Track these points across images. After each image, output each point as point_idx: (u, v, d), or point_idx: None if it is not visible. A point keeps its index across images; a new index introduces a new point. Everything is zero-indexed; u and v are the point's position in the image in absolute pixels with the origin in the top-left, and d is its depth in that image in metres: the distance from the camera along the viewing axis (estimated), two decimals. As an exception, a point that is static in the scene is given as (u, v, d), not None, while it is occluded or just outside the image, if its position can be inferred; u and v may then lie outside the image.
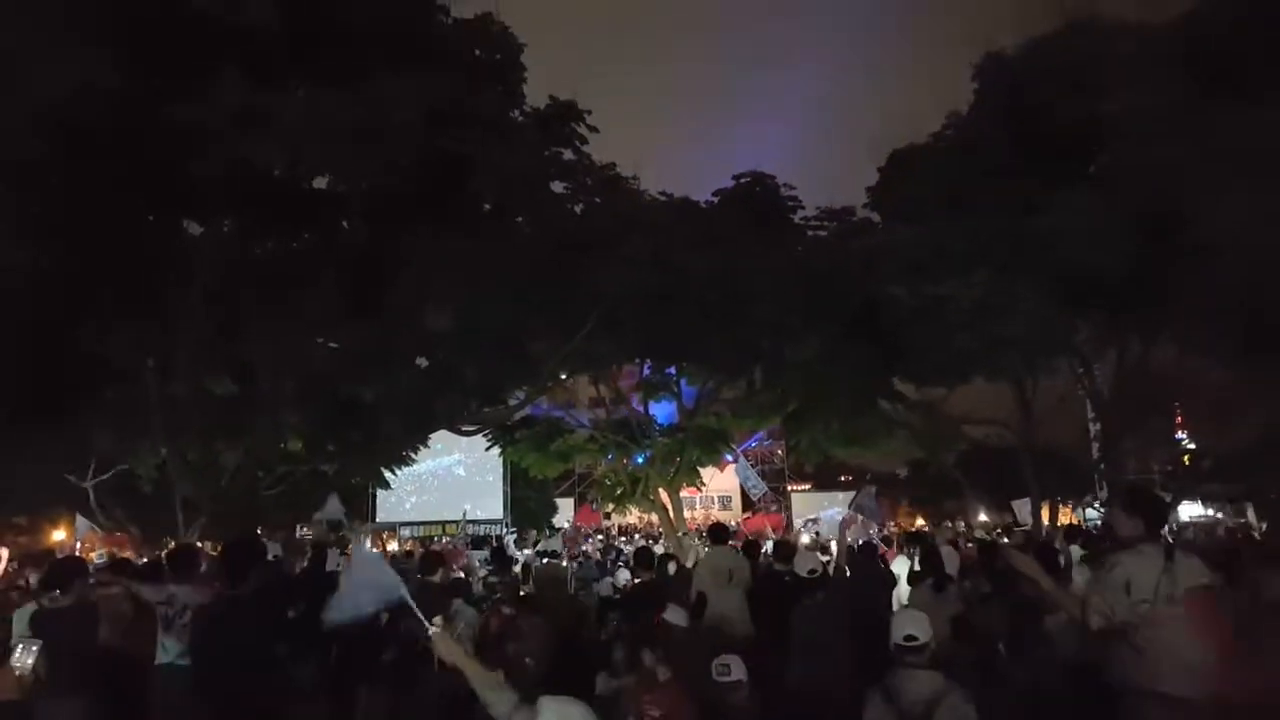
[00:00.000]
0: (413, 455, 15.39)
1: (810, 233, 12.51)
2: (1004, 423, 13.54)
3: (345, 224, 10.30)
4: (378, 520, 27.27)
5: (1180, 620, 3.64)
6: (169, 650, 4.81)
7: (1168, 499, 13.96)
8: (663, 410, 16.07)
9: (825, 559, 11.81)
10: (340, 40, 9.28)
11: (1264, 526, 19.57)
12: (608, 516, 24.18)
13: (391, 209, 9.58)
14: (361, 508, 25.03)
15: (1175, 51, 10.08)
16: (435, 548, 15.28)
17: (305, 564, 7.82)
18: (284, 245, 10.31)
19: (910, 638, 4.07)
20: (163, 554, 9.08)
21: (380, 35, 9.54)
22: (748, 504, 28.53)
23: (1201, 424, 14.33)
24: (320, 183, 9.95)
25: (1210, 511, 23.54)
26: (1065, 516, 19.89)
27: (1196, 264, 9.06)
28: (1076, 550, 9.24)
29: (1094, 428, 14.47)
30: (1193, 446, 15.33)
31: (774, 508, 26.12)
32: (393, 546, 23.67)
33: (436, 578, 7.68)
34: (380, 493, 25.56)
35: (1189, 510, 22.03)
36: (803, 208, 12.42)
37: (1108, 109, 9.85)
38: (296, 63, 8.97)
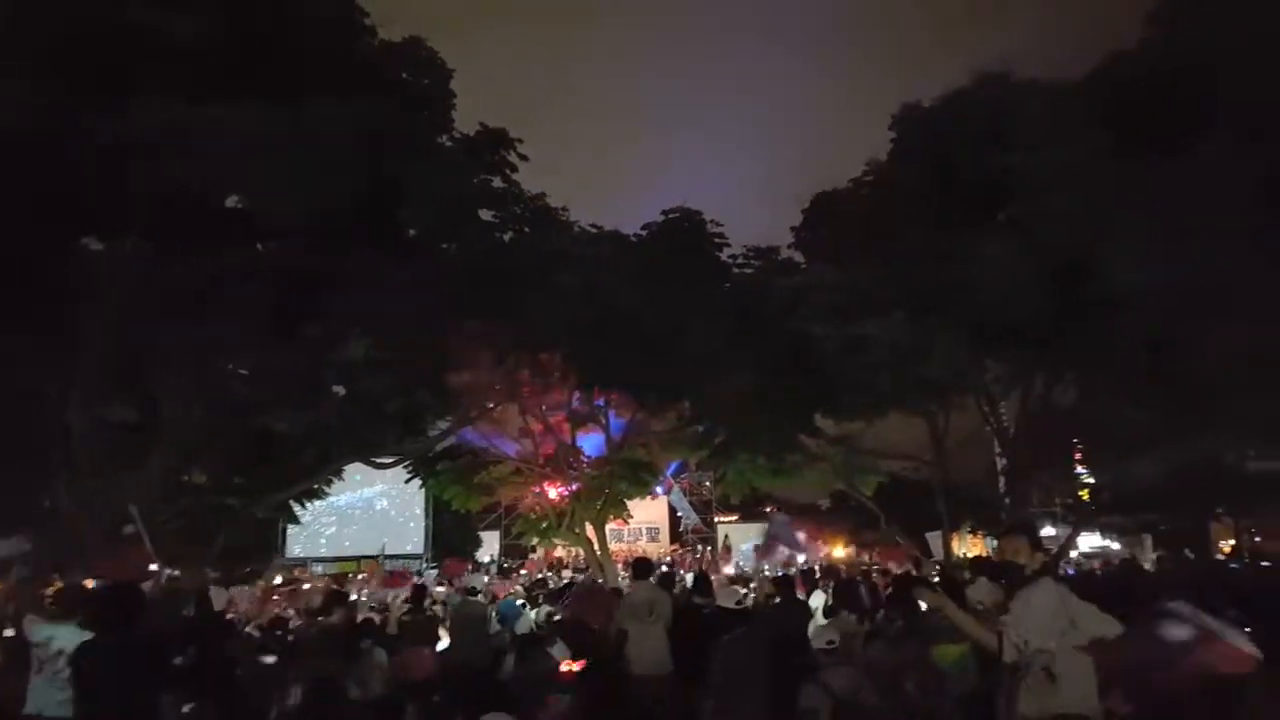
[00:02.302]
0: (325, 488, 14.89)
1: (736, 270, 12.73)
2: (919, 457, 13.97)
3: (263, 246, 9.97)
4: (289, 556, 26.16)
5: (1082, 648, 3.94)
6: (38, 697, 4.49)
7: (1068, 530, 14.65)
8: (591, 442, 16.00)
9: (745, 591, 11.91)
10: (266, 59, 9.06)
11: (1156, 556, 20.69)
12: (532, 550, 23.83)
13: (315, 233, 9.34)
14: (272, 543, 24.02)
15: (1081, 107, 10.73)
16: (354, 576, 14.75)
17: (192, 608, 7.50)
18: (198, 266, 9.91)
19: (831, 642, 5.43)
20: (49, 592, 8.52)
21: (307, 56, 9.35)
22: (676, 535, 28.51)
23: (1100, 460, 15.06)
24: (241, 205, 9.65)
25: (1107, 542, 24.73)
26: (976, 547, 20.60)
27: (1099, 310, 9.58)
28: (984, 582, 9.55)
29: (1001, 462, 15.06)
30: (1092, 481, 16.09)
31: (699, 545, 26.26)
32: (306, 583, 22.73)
33: (335, 618, 7.40)
34: (293, 527, 24.53)
35: (1088, 541, 23.10)
36: (729, 245, 12.65)
37: (1018, 160, 10.40)
38: (218, 80, 8.70)
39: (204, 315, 9.04)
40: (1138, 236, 8.94)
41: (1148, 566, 17.55)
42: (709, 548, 27.14)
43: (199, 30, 8.01)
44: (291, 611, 15.50)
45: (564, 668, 5.49)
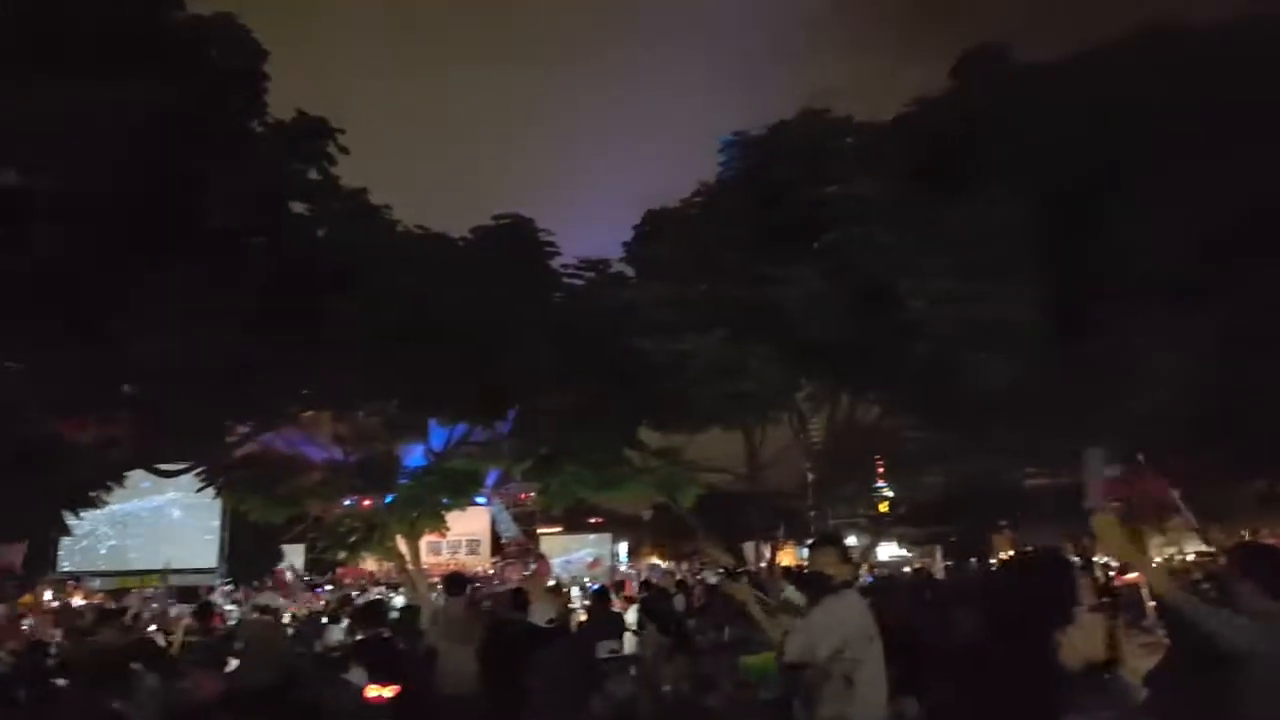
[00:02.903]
0: (104, 497, 13.45)
1: (567, 280, 12.71)
2: (735, 470, 14.51)
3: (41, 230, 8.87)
4: (60, 570, 23.47)
5: (879, 656, 4.17)
6: None
7: (868, 540, 15.70)
8: (411, 451, 15.35)
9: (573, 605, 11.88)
10: (53, 30, 8.11)
11: (946, 565, 22.58)
12: (340, 565, 22.66)
13: (104, 221, 8.42)
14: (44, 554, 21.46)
15: (888, 147, 11.59)
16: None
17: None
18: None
19: (613, 650, 6.52)
20: None
21: (100, 27, 8.44)
22: (498, 548, 27.98)
23: (897, 475, 16.27)
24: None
25: (903, 552, 26.75)
26: (788, 557, 21.63)
27: (895, 336, 10.34)
28: (793, 591, 10.03)
29: (810, 476, 15.93)
30: (890, 494, 17.31)
31: (526, 558, 25.88)
32: (78, 600, 20.46)
33: (104, 638, 6.72)
34: (67, 538, 21.96)
35: (885, 550, 24.88)
36: (560, 254, 12.61)
37: (831, 192, 11.07)
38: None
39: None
40: (927, 271, 9.75)
41: (938, 575, 19.11)
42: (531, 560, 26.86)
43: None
44: (58, 633, 13.97)
45: (370, 693, 5.20)
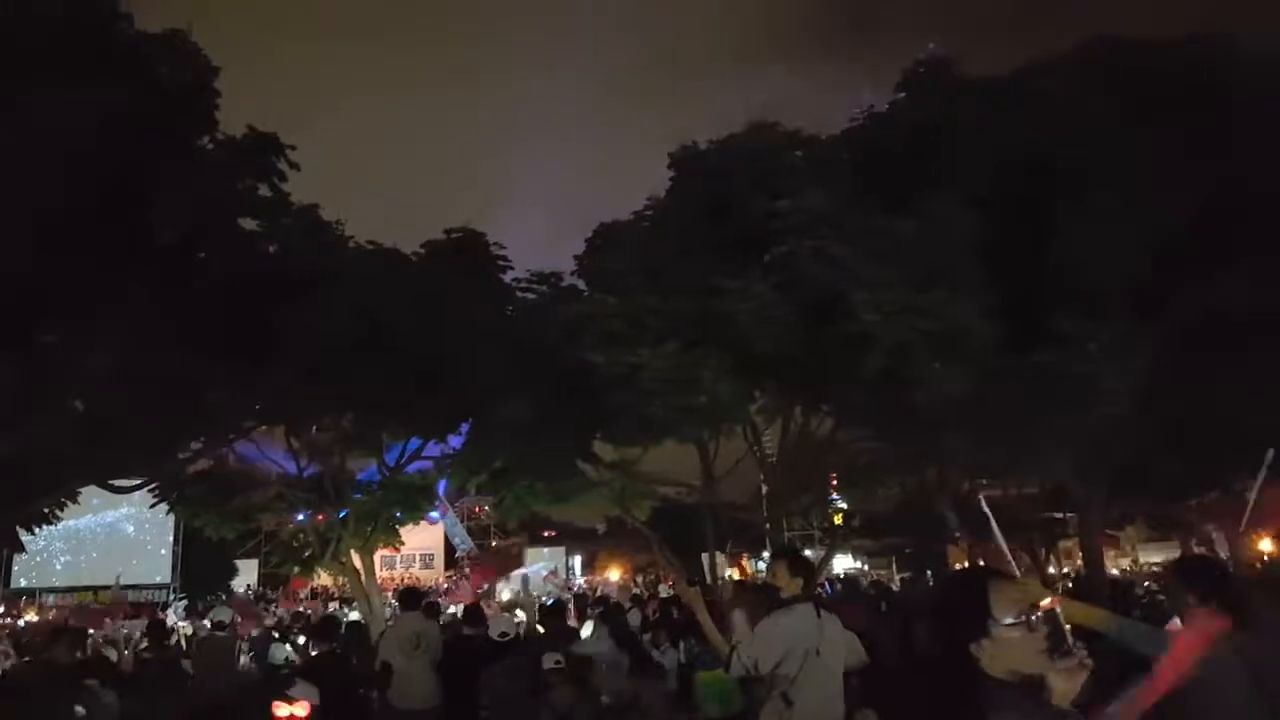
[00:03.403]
0: (57, 513, 13.25)
1: (520, 293, 12.77)
2: (690, 483, 14.59)
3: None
4: (13, 587, 23.00)
5: (826, 674, 4.17)
6: None
7: (823, 553, 15.86)
8: (363, 465, 15.28)
9: (518, 620, 11.87)
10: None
11: (901, 577, 22.84)
12: (299, 579, 22.43)
13: (49, 233, 8.36)
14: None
15: (838, 159, 11.84)
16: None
17: None
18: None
19: (558, 662, 6.28)
20: None
21: (48, 42, 8.43)
22: (451, 562, 27.80)
23: (852, 487, 16.46)
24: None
25: (858, 564, 26.99)
26: (742, 571, 21.73)
27: (846, 348, 10.52)
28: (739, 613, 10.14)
29: (765, 488, 16.06)
30: (845, 506, 17.48)
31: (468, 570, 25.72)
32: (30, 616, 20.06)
33: (57, 655, 6.69)
34: (21, 555, 21.54)
35: (841, 563, 25.10)
36: (513, 268, 12.68)
37: (782, 204, 11.25)
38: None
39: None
40: (879, 282, 9.96)
41: (894, 587, 19.34)
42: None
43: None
44: (8, 649, 13.73)
45: (280, 711, 5.21)
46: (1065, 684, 1.85)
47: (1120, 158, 9.82)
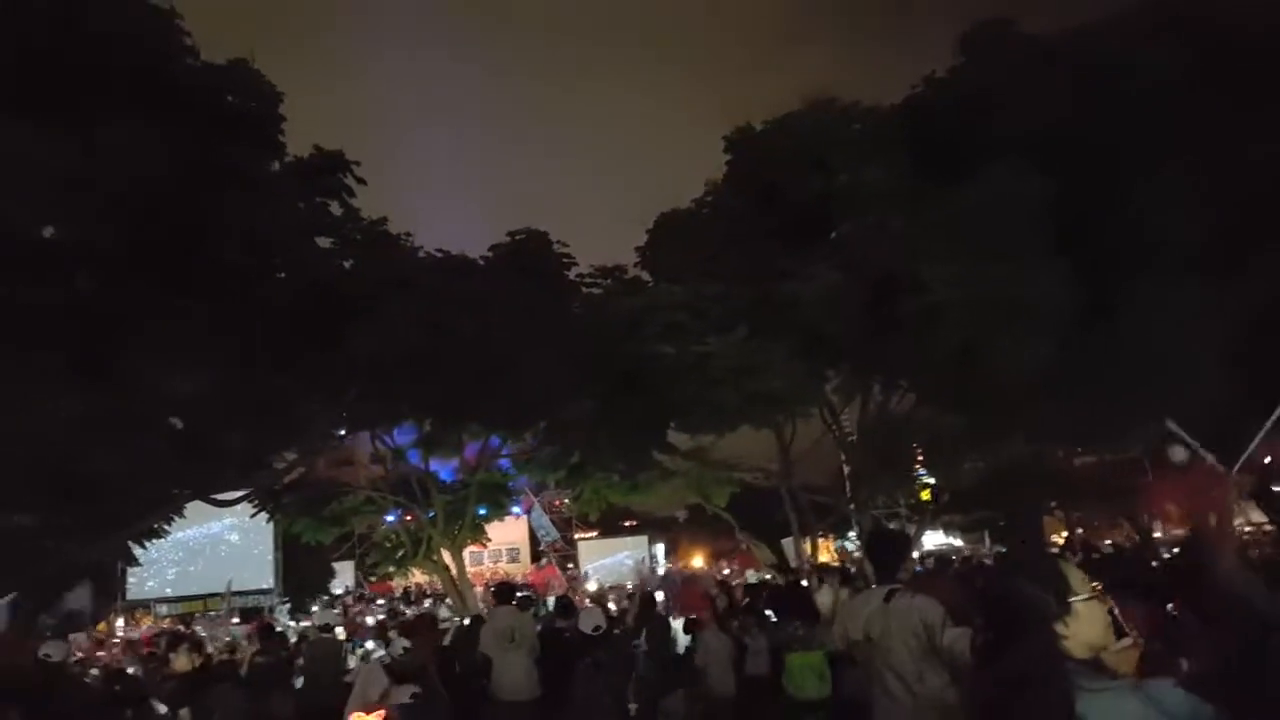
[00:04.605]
0: (165, 527, 14.03)
1: (585, 289, 12.86)
2: (768, 467, 14.46)
3: (74, 277, 9.32)
4: (129, 598, 24.43)
5: (882, 655, 4.20)
6: None
7: (912, 530, 15.49)
8: (446, 466, 15.70)
9: (613, 609, 12.00)
10: (70, 79, 8.51)
11: (995, 550, 22.17)
12: (389, 579, 23.20)
13: (132, 264, 8.80)
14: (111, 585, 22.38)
15: (896, 131, 11.46)
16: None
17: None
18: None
19: (598, 628, 7.06)
20: None
21: (117, 76, 8.83)
22: (537, 555, 28.32)
23: (937, 462, 16.04)
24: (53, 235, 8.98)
25: (951, 539, 26.32)
26: (825, 552, 21.49)
27: (921, 323, 10.23)
28: (827, 590, 10.00)
29: (846, 468, 15.79)
30: (931, 482, 17.07)
31: (548, 560, 26.11)
32: (146, 625, 21.30)
33: (184, 663, 7.08)
34: (135, 567, 22.85)
35: (932, 539, 24.53)
36: (576, 264, 12.76)
37: (842, 181, 10.98)
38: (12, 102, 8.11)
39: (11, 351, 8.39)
40: (943, 254, 9.64)
41: (988, 561, 18.77)
42: (571, 565, 27.16)
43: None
44: (129, 656, 14.53)
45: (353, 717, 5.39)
46: (1121, 663, 1.88)
47: (1191, 119, 9.25)
